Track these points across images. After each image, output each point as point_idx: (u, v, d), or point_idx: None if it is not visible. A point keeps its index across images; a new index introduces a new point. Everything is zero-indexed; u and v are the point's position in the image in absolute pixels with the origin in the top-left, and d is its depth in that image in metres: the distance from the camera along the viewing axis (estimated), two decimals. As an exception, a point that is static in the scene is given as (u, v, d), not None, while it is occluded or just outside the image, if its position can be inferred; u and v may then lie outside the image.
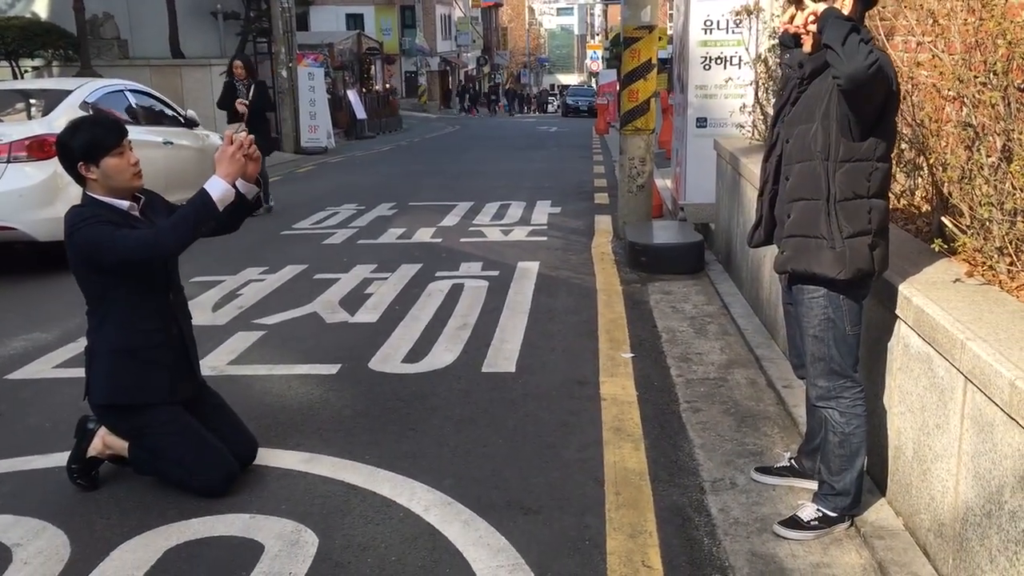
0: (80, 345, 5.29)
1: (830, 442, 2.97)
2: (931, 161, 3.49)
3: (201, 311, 5.98)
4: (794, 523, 3.00)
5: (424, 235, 8.63)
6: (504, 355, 4.96)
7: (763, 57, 6.34)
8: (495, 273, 6.93)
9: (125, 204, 3.36)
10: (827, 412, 2.97)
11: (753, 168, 5.59)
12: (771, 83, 6.23)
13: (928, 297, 2.76)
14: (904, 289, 2.89)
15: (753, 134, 6.64)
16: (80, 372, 4.76)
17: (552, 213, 10.02)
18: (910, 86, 3.69)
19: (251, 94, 9.85)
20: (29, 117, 7.63)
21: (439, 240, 8.37)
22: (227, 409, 3.69)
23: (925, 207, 3.80)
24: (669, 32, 14.47)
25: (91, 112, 7.89)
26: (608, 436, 3.87)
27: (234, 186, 3.35)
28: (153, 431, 3.39)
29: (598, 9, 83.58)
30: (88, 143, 3.27)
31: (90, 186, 3.34)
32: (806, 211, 2.82)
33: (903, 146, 3.78)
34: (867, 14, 3.04)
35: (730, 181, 6.52)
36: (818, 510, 3.00)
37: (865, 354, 3.20)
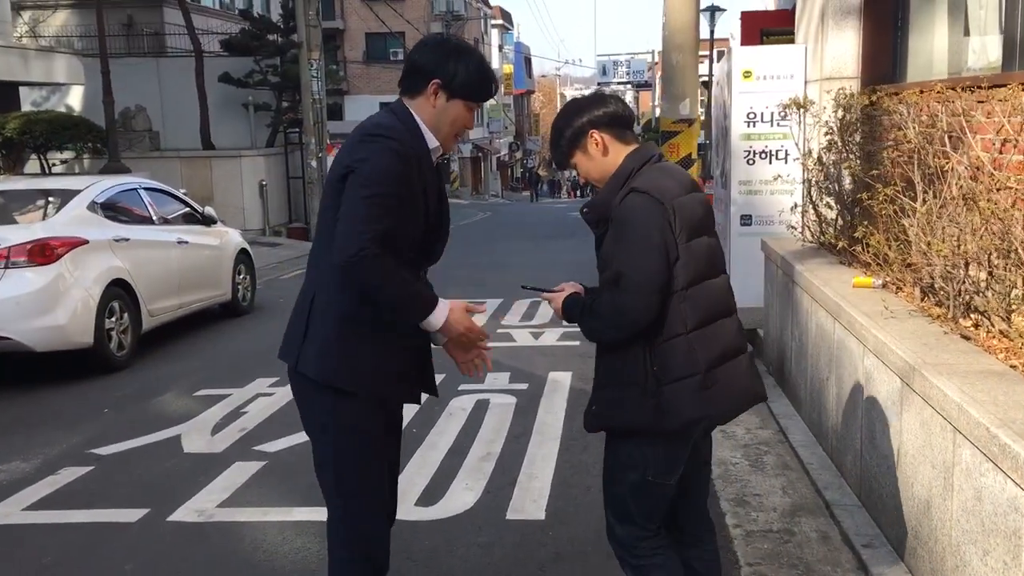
0: (61, 479, 4.80)
1: None
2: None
3: (199, 434, 5.45)
4: None
5: (449, 339, 8.07)
6: (532, 496, 4.33)
7: (816, 154, 5.80)
8: (524, 386, 6.33)
9: None
10: None
11: (809, 276, 5.01)
12: (826, 182, 5.69)
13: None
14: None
15: (805, 235, 6.07)
16: (53, 516, 4.28)
17: (585, 312, 9.43)
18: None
19: None
20: (34, 218, 7.25)
21: (465, 345, 7.80)
22: None
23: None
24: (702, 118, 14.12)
25: (99, 213, 7.54)
26: (656, 615, 3.20)
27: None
28: None
29: (629, 95, 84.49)
30: None
31: None
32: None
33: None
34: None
35: (781, 286, 5.93)
36: None
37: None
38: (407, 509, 4.18)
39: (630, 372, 2.52)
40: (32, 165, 18.13)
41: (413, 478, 4.59)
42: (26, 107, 19.32)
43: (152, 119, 21.22)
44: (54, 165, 18.16)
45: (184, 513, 4.21)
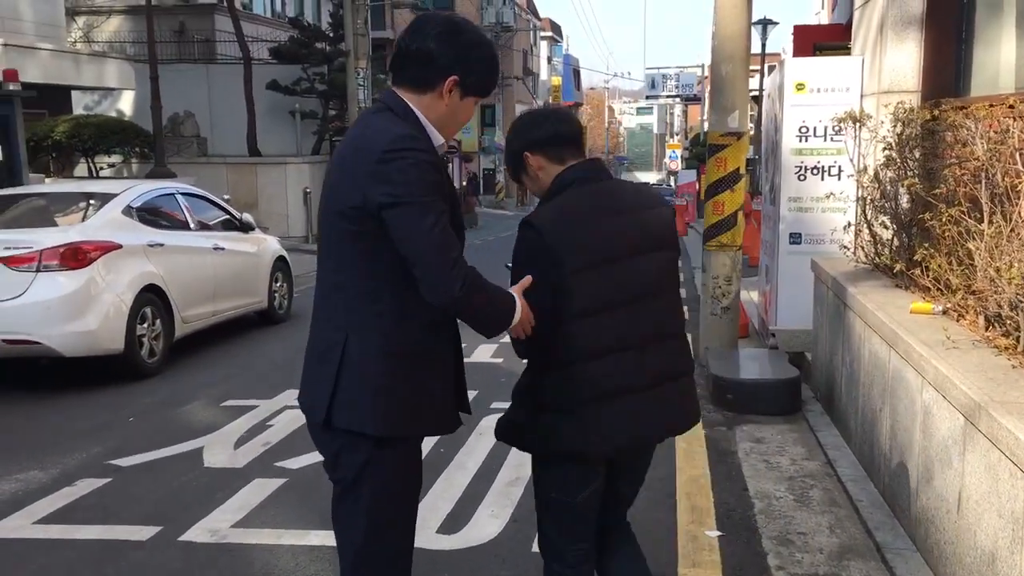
0: (77, 490, 4.66)
1: None
2: None
3: (222, 448, 5.30)
4: None
5: (484, 353, 7.86)
6: (561, 527, 4.08)
7: (872, 171, 5.50)
8: (558, 406, 6.08)
9: None
10: None
11: (863, 299, 4.71)
12: (882, 201, 5.38)
13: None
14: None
15: (858, 256, 5.76)
16: (62, 531, 4.14)
17: (626, 329, 9.15)
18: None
19: None
20: (68, 222, 7.19)
21: (499, 360, 7.59)
22: None
23: None
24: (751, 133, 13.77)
25: (134, 217, 7.46)
26: (689, 667, 2.95)
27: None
28: None
29: (678, 109, 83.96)
30: None
31: None
32: None
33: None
34: None
35: (832, 309, 5.63)
36: None
37: None
38: (428, 537, 3.97)
39: (520, 393, 2.56)
40: (82, 169, 18.35)
41: (437, 502, 4.37)
42: (78, 111, 19.59)
43: (200, 125, 21.41)
44: (102, 169, 18.36)
45: (196, 533, 4.03)
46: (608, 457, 2.53)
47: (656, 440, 2.64)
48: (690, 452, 5.18)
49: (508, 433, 2.63)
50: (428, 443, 5.18)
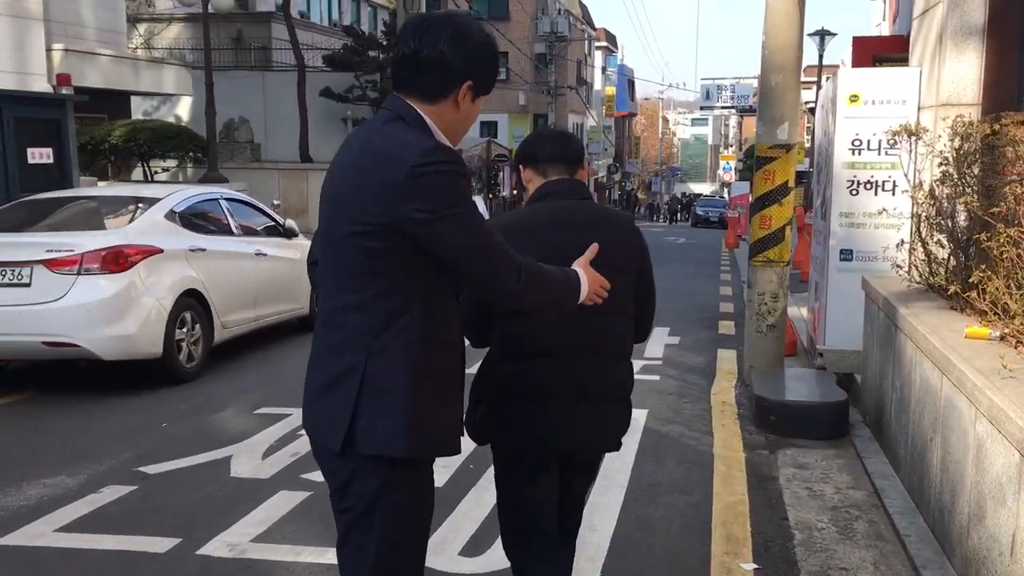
0: (102, 498, 4.62)
1: None
2: None
3: (250, 457, 5.24)
4: None
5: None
6: (588, 554, 3.91)
7: (928, 187, 5.26)
8: (595, 424, 5.92)
9: None
10: None
11: (915, 321, 4.48)
12: (938, 218, 5.13)
13: None
14: None
15: (911, 275, 5.51)
16: (82, 541, 4.09)
17: (669, 344, 8.96)
18: None
19: None
20: (111, 225, 7.22)
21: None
22: None
23: None
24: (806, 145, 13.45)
25: (176, 222, 7.48)
26: None
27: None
28: None
29: (733, 120, 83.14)
30: None
31: None
32: None
33: None
34: None
35: (883, 331, 5.38)
36: None
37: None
38: (449, 558, 3.85)
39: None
40: (138, 173, 18.66)
41: (461, 523, 4.24)
42: (138, 116, 19.94)
43: (254, 131, 21.66)
44: (157, 173, 18.64)
45: (215, 546, 3.95)
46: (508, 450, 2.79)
47: (549, 455, 2.76)
48: (728, 476, 4.98)
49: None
50: (455, 461, 5.06)
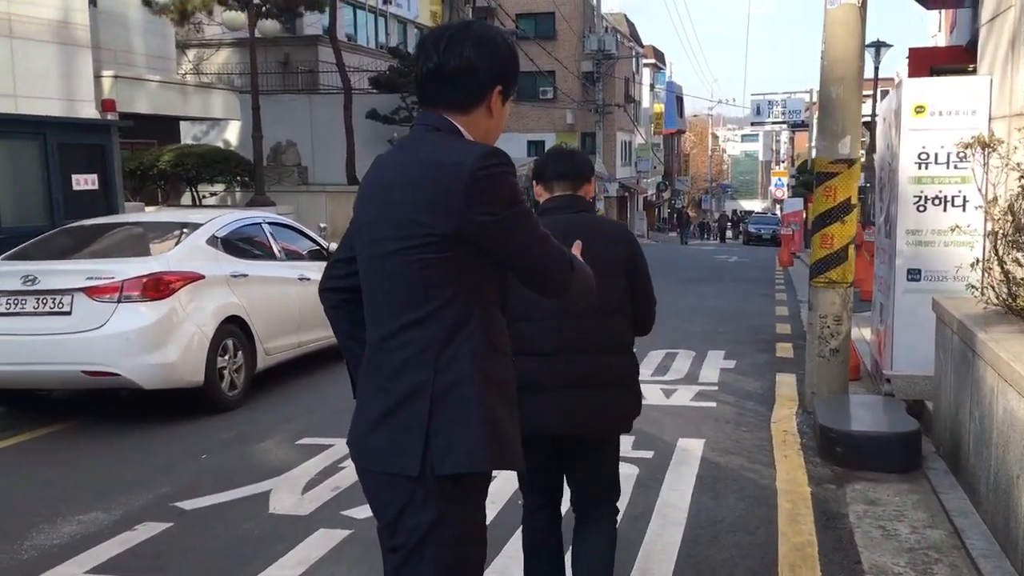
0: (136, 536, 4.46)
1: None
2: None
3: (289, 492, 5.05)
4: None
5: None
6: (645, 601, 3.64)
7: (1005, 202, 4.91)
8: (649, 455, 5.64)
9: None
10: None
11: (995, 347, 4.13)
12: (1016, 235, 4.78)
13: None
14: None
15: (988, 296, 5.15)
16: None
17: (725, 368, 8.62)
18: None
19: None
20: (152, 251, 7.12)
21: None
22: None
23: None
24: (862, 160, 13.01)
25: (219, 247, 7.37)
26: None
27: None
28: None
29: (784, 135, 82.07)
30: None
31: None
32: None
33: None
34: None
35: (958, 356, 5.03)
36: None
37: None
38: (496, 607, 3.59)
39: None
40: (187, 198, 18.79)
41: (507, 564, 3.99)
42: (187, 141, 20.13)
43: (302, 154, 21.72)
44: (205, 197, 18.75)
45: (248, 592, 3.76)
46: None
47: (556, 434, 2.98)
48: (794, 514, 4.66)
49: None
50: (507, 489, 4.80)
